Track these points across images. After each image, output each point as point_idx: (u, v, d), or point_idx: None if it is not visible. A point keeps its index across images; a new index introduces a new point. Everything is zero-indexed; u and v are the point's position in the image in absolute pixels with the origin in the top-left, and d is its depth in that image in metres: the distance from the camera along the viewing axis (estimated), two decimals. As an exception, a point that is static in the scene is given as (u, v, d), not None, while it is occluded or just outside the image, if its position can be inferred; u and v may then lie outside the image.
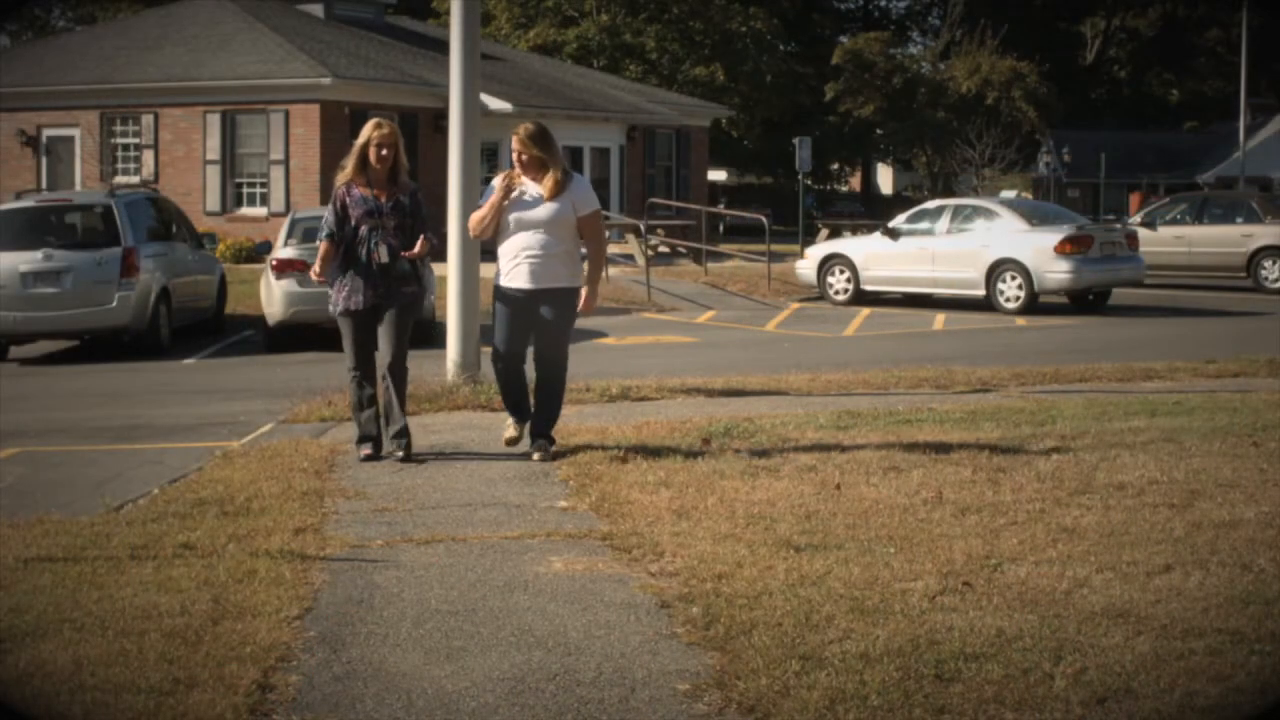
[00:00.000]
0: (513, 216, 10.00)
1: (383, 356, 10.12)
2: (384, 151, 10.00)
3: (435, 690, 5.51)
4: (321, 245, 10.15)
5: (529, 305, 9.98)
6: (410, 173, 10.52)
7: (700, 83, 56.67)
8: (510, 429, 10.37)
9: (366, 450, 10.18)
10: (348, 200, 10.05)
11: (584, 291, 10.13)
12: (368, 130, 10.09)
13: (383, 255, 9.98)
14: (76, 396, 16.12)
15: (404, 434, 10.16)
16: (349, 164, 10.08)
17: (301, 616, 6.38)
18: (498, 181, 10.03)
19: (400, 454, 10.10)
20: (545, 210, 9.92)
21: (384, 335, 10.12)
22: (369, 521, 8.30)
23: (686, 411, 12.28)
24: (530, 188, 9.97)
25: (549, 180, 9.92)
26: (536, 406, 10.25)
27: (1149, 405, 12.08)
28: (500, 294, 10.13)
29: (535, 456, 10.01)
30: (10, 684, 5.53)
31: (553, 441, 10.22)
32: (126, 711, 5.22)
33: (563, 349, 10.23)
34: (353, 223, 10.03)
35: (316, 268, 10.12)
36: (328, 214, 10.15)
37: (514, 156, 9.97)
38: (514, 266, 9.98)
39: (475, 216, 10.20)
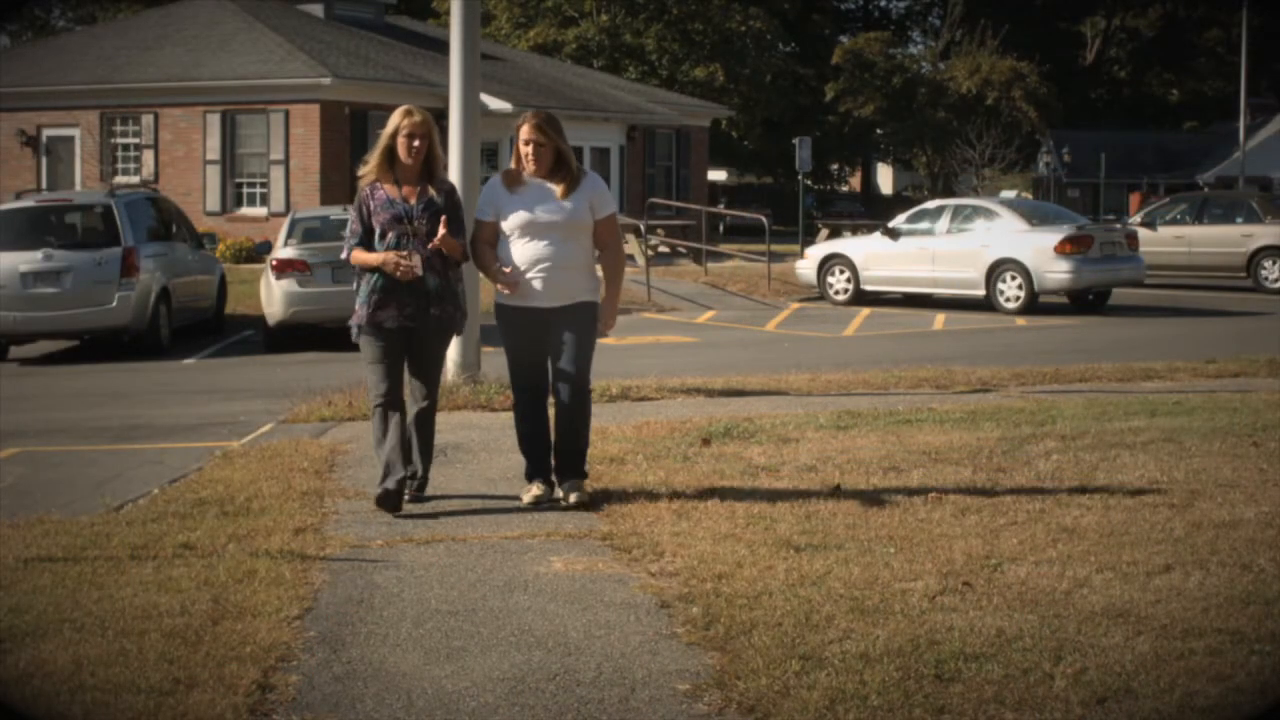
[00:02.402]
0: (519, 219, 8.44)
1: (413, 398, 8.61)
2: (416, 143, 8.41)
3: (435, 690, 5.51)
4: (352, 253, 8.53)
5: (544, 325, 8.49)
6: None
7: (700, 83, 56.67)
8: (534, 488, 8.67)
9: (388, 486, 8.48)
10: (371, 203, 8.48)
11: (601, 309, 8.65)
12: (396, 119, 8.47)
13: (416, 267, 8.37)
14: (76, 396, 16.12)
15: (419, 478, 8.71)
16: (373, 159, 8.49)
17: (301, 616, 6.38)
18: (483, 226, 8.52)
19: (410, 493, 8.62)
20: (559, 212, 8.42)
21: (415, 371, 8.59)
22: (369, 521, 8.30)
23: (686, 411, 12.28)
24: (537, 185, 8.49)
25: (562, 176, 8.45)
26: (559, 441, 8.65)
27: (1149, 405, 12.08)
28: (506, 314, 8.57)
29: (571, 499, 8.49)
30: (10, 684, 5.53)
31: (585, 476, 8.70)
32: (126, 711, 5.22)
33: (586, 373, 8.62)
34: (377, 230, 8.45)
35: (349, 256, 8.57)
36: (351, 220, 8.59)
37: (520, 146, 8.45)
38: (530, 279, 8.45)
39: (481, 263, 8.62)
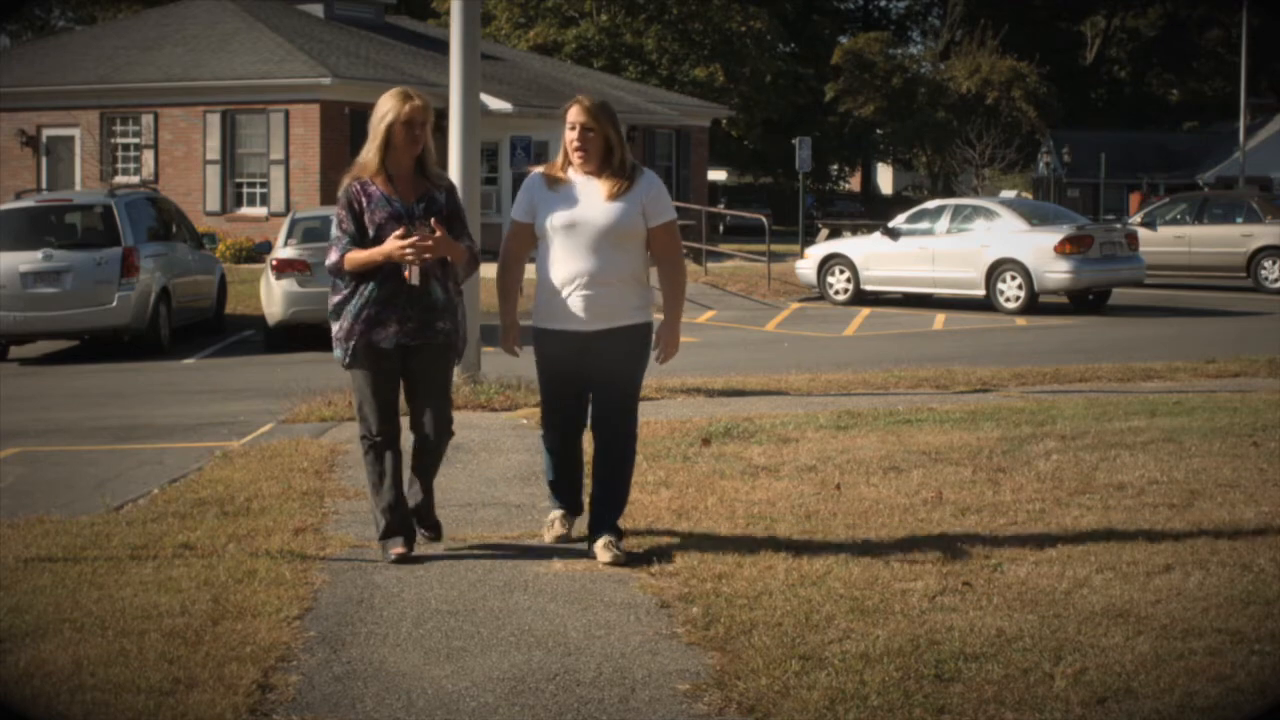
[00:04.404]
0: (558, 221, 7.20)
1: (416, 424, 7.41)
2: (417, 132, 7.27)
3: (435, 690, 5.51)
4: (346, 255, 7.29)
5: (586, 351, 7.27)
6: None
7: (700, 83, 56.66)
8: (556, 525, 7.63)
9: (398, 549, 7.36)
10: (364, 200, 7.30)
11: (659, 334, 7.49)
12: (393, 103, 7.25)
13: (414, 276, 7.21)
14: (76, 396, 16.12)
15: (431, 526, 7.65)
16: (372, 155, 7.28)
17: (301, 616, 6.38)
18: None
19: (430, 534, 7.61)
20: (606, 215, 7.16)
21: (417, 393, 7.40)
22: (369, 521, 8.26)
23: (686, 411, 12.28)
24: (582, 182, 7.24)
25: (612, 174, 7.19)
26: (596, 487, 7.41)
27: (1149, 405, 12.08)
28: (541, 336, 7.36)
29: (604, 560, 7.18)
30: (10, 684, 5.53)
31: (622, 535, 7.37)
32: (126, 711, 5.22)
33: (632, 408, 7.45)
34: (371, 233, 7.25)
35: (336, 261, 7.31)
36: (341, 220, 7.34)
37: (568, 135, 7.21)
38: (568, 296, 7.21)
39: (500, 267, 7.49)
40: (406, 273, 7.22)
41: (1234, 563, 6.90)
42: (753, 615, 6.21)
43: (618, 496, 7.42)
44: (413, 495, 7.57)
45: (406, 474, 7.56)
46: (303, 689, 5.52)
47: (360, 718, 5.27)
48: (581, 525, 7.63)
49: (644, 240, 7.29)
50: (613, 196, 7.16)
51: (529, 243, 7.41)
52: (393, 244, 7.14)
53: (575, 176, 7.25)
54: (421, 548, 7.48)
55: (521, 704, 5.36)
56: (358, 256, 7.23)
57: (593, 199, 7.19)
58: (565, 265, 7.21)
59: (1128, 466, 9.34)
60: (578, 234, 7.18)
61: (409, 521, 7.48)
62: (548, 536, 7.69)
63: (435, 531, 7.66)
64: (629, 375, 7.41)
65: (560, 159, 7.31)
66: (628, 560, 7.19)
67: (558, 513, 7.71)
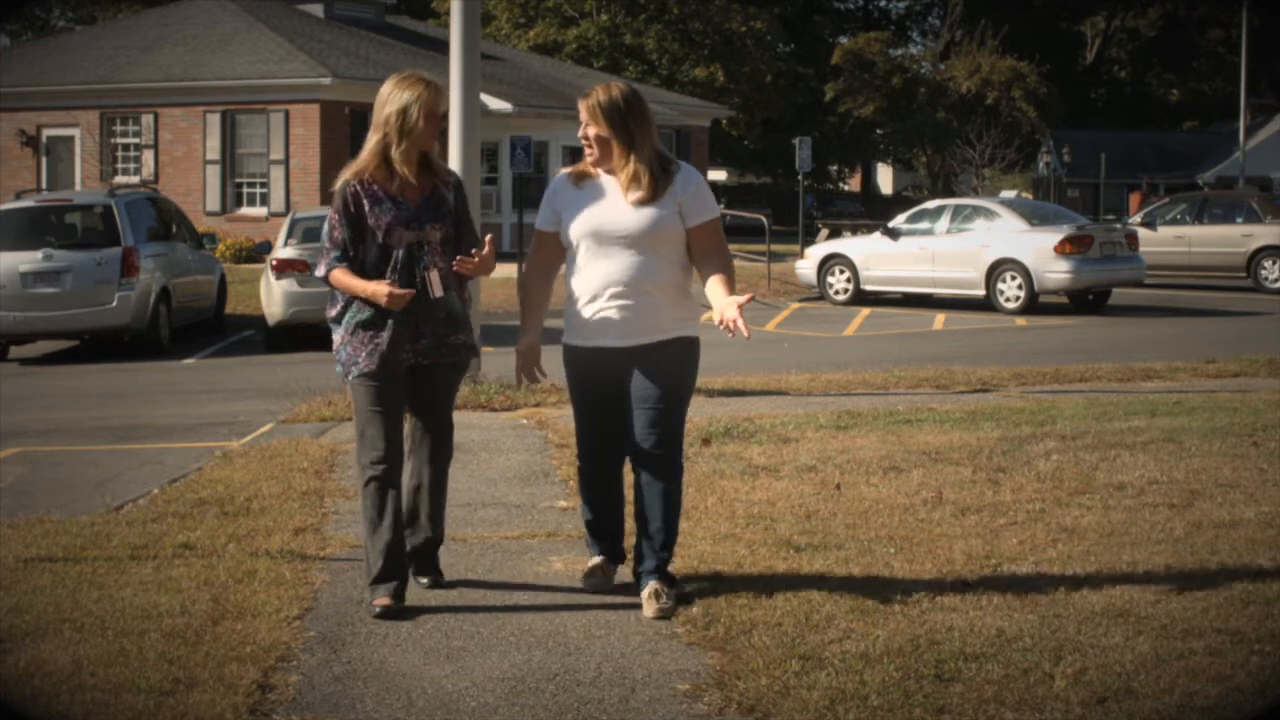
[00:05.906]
0: (582, 226, 6.44)
1: (421, 458, 6.67)
2: (439, 122, 6.48)
3: (435, 690, 5.51)
4: (332, 273, 6.45)
5: (625, 370, 6.46)
6: None
7: (700, 83, 56.65)
8: (595, 560, 6.78)
9: (384, 600, 6.39)
10: (364, 202, 6.40)
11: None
12: (415, 90, 6.35)
13: (436, 287, 6.43)
14: (76, 396, 16.12)
15: (431, 571, 6.87)
16: (390, 150, 6.38)
17: (301, 616, 6.38)
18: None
19: (425, 581, 6.82)
20: (636, 220, 6.38)
21: (424, 423, 6.66)
22: (369, 522, 8.28)
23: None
24: (608, 182, 6.48)
25: (637, 174, 6.37)
26: (641, 524, 6.54)
27: (1149, 405, 12.08)
28: (571, 356, 6.60)
29: (649, 613, 6.32)
30: (10, 684, 5.53)
31: (673, 582, 6.53)
32: (126, 711, 5.22)
33: (677, 434, 6.54)
34: (378, 238, 6.40)
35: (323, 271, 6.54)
36: (333, 227, 6.44)
37: (581, 134, 6.49)
38: (596, 312, 6.43)
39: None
40: (430, 285, 6.43)
41: (1234, 563, 6.90)
42: (753, 615, 6.20)
43: (665, 535, 6.51)
44: (412, 536, 6.72)
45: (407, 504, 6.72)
46: (303, 689, 5.52)
47: (360, 718, 5.27)
48: (625, 573, 6.82)
49: (683, 244, 6.47)
50: (645, 200, 6.37)
51: (555, 255, 6.64)
52: (382, 289, 6.31)
53: (601, 175, 6.50)
54: (412, 596, 6.61)
55: (521, 704, 5.36)
56: (345, 282, 6.40)
57: (621, 199, 6.42)
58: (596, 274, 6.43)
59: (1128, 466, 9.33)
60: (607, 240, 6.40)
61: (405, 567, 6.54)
62: (586, 584, 6.76)
63: (434, 577, 6.84)
64: (674, 397, 6.48)
65: (587, 157, 6.57)
66: (679, 601, 6.39)
67: (597, 559, 6.75)
